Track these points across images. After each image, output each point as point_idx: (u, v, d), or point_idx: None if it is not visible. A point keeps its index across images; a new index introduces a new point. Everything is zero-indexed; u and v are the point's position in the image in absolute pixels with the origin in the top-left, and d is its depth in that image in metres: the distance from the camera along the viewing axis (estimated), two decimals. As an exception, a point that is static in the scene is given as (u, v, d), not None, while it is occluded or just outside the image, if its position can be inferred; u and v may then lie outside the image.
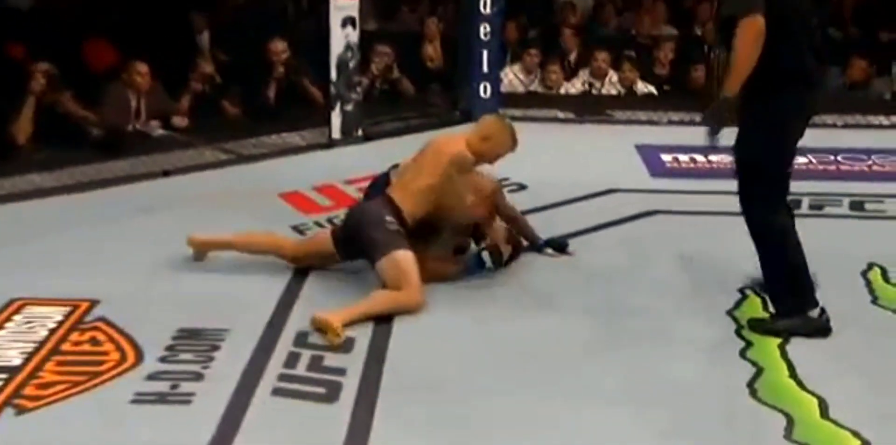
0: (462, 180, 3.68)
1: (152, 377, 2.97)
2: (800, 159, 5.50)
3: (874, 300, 3.60)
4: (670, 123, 6.48)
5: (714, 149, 3.23)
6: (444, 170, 3.63)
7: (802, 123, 3.18)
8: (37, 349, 3.13)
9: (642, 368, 3.06)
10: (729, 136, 3.16)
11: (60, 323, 3.32)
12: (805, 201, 4.73)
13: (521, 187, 4.84)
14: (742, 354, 3.16)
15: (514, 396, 2.90)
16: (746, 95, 3.09)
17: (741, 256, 3.47)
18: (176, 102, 6.07)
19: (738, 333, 3.31)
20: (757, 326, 3.26)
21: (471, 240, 3.89)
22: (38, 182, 4.92)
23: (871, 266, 3.89)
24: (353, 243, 3.62)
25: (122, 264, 3.87)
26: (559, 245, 4.04)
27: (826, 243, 3.60)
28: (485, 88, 6.37)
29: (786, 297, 3.23)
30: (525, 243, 4.02)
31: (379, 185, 3.92)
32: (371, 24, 7.26)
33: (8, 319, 3.34)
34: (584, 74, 7.11)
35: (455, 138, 3.80)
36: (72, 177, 4.98)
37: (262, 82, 6.24)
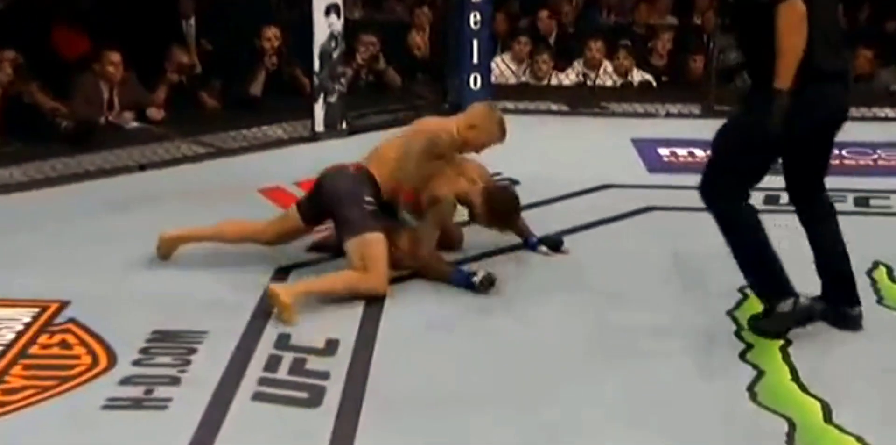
0: (429, 164, 3.73)
1: (126, 381, 2.96)
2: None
3: (879, 300, 3.61)
4: (668, 115, 6.49)
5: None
6: (415, 148, 3.71)
7: (804, 121, 3.03)
8: (3, 353, 3.11)
9: (639, 371, 3.07)
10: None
11: (28, 325, 3.30)
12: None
13: (513, 182, 4.83)
14: (742, 356, 3.17)
15: (507, 401, 2.89)
16: (753, 83, 3.08)
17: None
18: (151, 92, 6.05)
19: (738, 334, 3.31)
20: (752, 326, 3.26)
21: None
22: (4, 177, 4.90)
23: (876, 265, 3.90)
24: (322, 211, 3.70)
25: (94, 263, 3.85)
26: (554, 243, 4.04)
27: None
28: (475, 79, 6.37)
29: (761, 287, 3.19)
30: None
31: None
32: (356, 13, 7.26)
33: (-27, 321, 3.33)
34: (577, 65, 7.11)
35: (443, 122, 3.85)
36: (40, 171, 4.96)
37: (248, 71, 6.22)
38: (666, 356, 3.16)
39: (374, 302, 3.54)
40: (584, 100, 6.73)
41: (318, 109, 5.80)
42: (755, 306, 3.53)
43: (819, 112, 3.07)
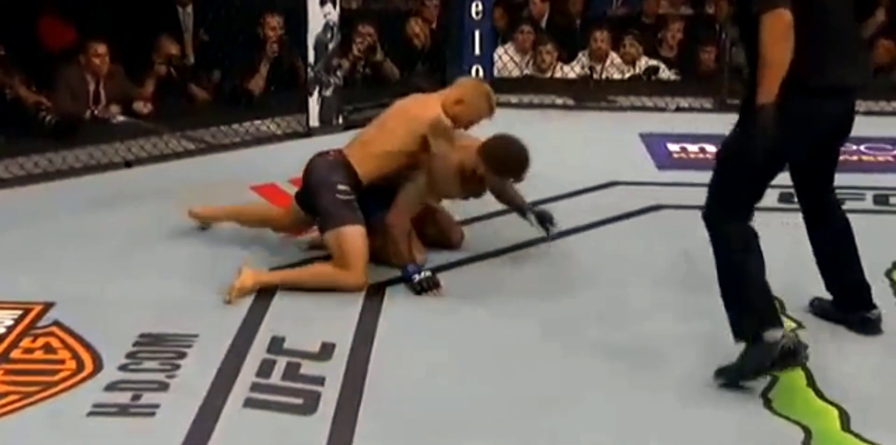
0: (442, 145, 3.74)
1: (112, 387, 2.95)
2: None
3: (899, 302, 3.61)
4: (678, 109, 6.49)
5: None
6: (420, 135, 3.70)
7: (802, 138, 2.96)
8: (-16, 357, 3.12)
9: (647, 377, 3.06)
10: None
11: (10, 328, 3.30)
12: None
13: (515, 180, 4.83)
14: (756, 361, 3.16)
15: (509, 409, 2.89)
16: (747, 97, 2.96)
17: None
18: (139, 85, 6.04)
19: (752, 338, 3.31)
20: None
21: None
22: (-14, 173, 4.91)
23: (895, 266, 3.90)
24: (310, 201, 3.78)
25: (79, 263, 3.85)
26: (543, 217, 4.03)
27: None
28: (476, 71, 6.38)
29: (743, 319, 2.95)
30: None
31: None
32: (353, 2, 7.25)
33: (-47, 323, 3.33)
34: (583, 57, 7.11)
35: (427, 101, 3.86)
36: (23, 168, 4.95)
37: (248, 63, 6.20)
38: (675, 361, 3.16)
39: (371, 304, 3.55)
40: (590, 93, 6.73)
41: (313, 103, 5.80)
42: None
43: (816, 129, 2.98)
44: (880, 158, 5.46)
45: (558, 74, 7.04)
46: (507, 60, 6.96)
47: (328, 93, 5.83)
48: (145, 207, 4.48)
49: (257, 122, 5.83)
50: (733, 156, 2.98)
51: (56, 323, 3.34)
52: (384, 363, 3.13)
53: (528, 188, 4.30)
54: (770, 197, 4.53)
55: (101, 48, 5.74)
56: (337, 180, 3.69)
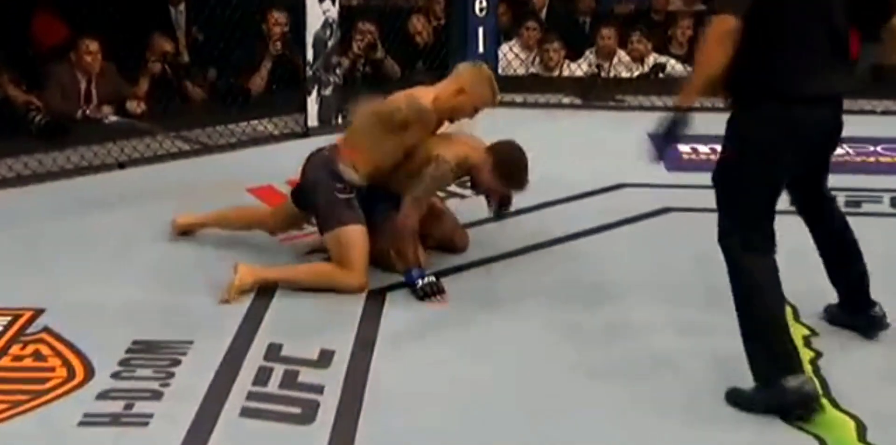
0: (391, 136, 3.70)
1: (104, 395, 2.95)
2: (837, 150, 5.58)
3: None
4: (688, 109, 6.47)
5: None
6: (403, 125, 3.68)
7: (794, 149, 2.92)
8: (-28, 365, 3.12)
9: (657, 387, 3.06)
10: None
11: None
12: (841, 198, 4.69)
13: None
14: (770, 369, 3.15)
15: (513, 419, 2.89)
16: (732, 109, 3.00)
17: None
18: (132, 84, 6.05)
19: (765, 346, 3.30)
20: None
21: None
22: (-25, 175, 4.92)
23: (915, 271, 3.89)
24: (307, 200, 3.80)
25: (70, 268, 3.85)
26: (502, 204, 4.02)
27: (864, 245, 3.57)
28: (482, 70, 6.36)
29: (761, 359, 2.90)
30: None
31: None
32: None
33: (-60, 330, 3.33)
34: (589, 55, 7.11)
35: (420, 92, 3.83)
36: (12, 169, 4.96)
37: (245, 61, 6.20)
38: (687, 369, 3.15)
39: (371, 310, 3.55)
40: (597, 92, 6.73)
41: (312, 103, 5.81)
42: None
43: (806, 139, 2.93)
44: (898, 159, 5.45)
45: (565, 73, 7.04)
46: (511, 57, 6.96)
47: (327, 92, 5.83)
48: (138, 209, 4.48)
49: (254, 122, 5.84)
50: (730, 175, 2.97)
51: (46, 330, 3.34)
52: (385, 371, 3.13)
53: (534, 190, 4.30)
54: (782, 199, 4.58)
55: (94, 45, 5.74)
56: (334, 178, 3.69)
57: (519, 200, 4.27)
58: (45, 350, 3.22)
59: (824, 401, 2.95)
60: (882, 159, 5.43)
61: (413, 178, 3.72)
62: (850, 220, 4.53)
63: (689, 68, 6.98)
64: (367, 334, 3.37)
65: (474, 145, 3.87)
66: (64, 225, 4.31)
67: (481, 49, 6.37)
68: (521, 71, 7.02)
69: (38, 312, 3.45)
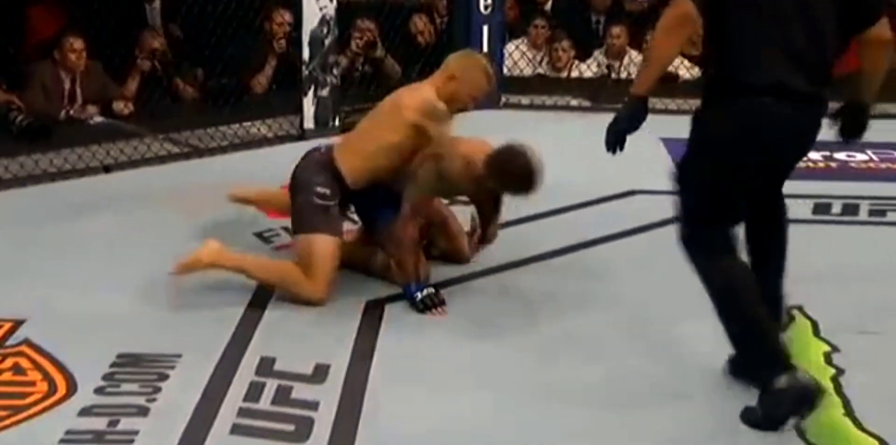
0: (438, 129, 3.65)
1: (87, 411, 2.94)
2: (858, 157, 5.60)
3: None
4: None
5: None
6: (409, 124, 3.64)
7: (758, 147, 2.87)
8: (-52, 379, 3.12)
9: (672, 406, 3.05)
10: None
11: (-23, 347, 3.30)
12: (863, 207, 4.73)
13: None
14: (788, 387, 3.14)
15: (511, 437, 2.88)
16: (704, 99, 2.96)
17: (787, 270, 3.45)
18: (121, 84, 6.04)
19: (784, 362, 3.29)
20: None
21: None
22: (-47, 178, 4.92)
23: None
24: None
25: (52, 277, 3.85)
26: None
27: (888, 256, 3.60)
28: (489, 67, 6.37)
29: (748, 363, 2.92)
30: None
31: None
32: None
33: (-86, 342, 3.33)
34: (599, 55, 7.11)
35: (419, 87, 3.81)
36: (-7, 172, 4.97)
37: (242, 59, 6.20)
38: (701, 388, 3.14)
39: (368, 322, 3.54)
40: (607, 94, 6.72)
41: (308, 104, 5.81)
42: (804, 329, 3.52)
43: (769, 133, 2.86)
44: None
45: (574, 73, 7.04)
46: (518, 56, 6.96)
47: (324, 92, 5.83)
48: (125, 216, 4.48)
49: (247, 124, 5.84)
50: (687, 173, 2.95)
51: (26, 342, 3.33)
52: (383, 387, 3.12)
53: (541, 197, 4.30)
54: (803, 208, 4.58)
55: (78, 43, 5.74)
56: (317, 183, 3.69)
57: (525, 207, 4.27)
58: (25, 364, 3.21)
59: (847, 421, 2.94)
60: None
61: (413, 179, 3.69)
62: (874, 230, 4.55)
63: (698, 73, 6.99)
64: (364, 347, 3.37)
65: (481, 149, 3.82)
66: (46, 232, 4.31)
67: (486, 48, 6.37)
68: (527, 71, 7.02)
69: (19, 323, 3.44)
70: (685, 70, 6.99)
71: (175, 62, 6.35)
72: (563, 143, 5.50)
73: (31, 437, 2.83)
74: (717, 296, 2.93)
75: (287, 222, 4.31)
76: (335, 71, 5.90)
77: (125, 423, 2.88)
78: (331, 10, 5.77)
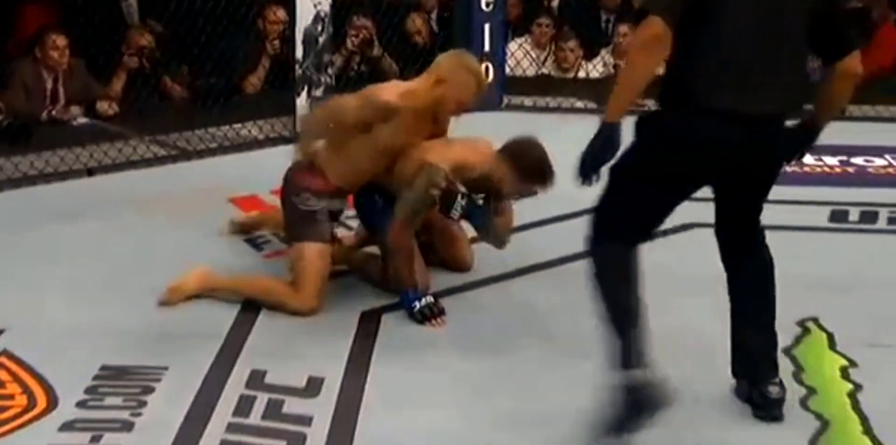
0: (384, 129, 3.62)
1: (69, 426, 2.94)
2: (876, 161, 5.59)
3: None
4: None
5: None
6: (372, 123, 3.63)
7: (692, 168, 2.88)
8: (-77, 392, 3.11)
9: (682, 421, 3.04)
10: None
11: (-47, 358, 3.30)
12: (882, 214, 4.73)
13: (529, 193, 4.81)
14: (803, 403, 3.15)
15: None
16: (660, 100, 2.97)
17: (801, 280, 3.47)
18: (106, 83, 6.04)
19: (798, 377, 3.30)
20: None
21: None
22: (-71, 181, 4.92)
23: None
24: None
25: (32, 284, 3.85)
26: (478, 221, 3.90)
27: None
28: (486, 69, 6.36)
29: (615, 354, 2.84)
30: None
31: None
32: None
33: None
34: (605, 54, 7.12)
35: (388, 86, 3.80)
36: (-29, 175, 4.97)
37: (233, 57, 6.20)
38: (712, 402, 3.14)
39: (364, 333, 3.54)
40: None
41: (301, 105, 5.81)
42: (818, 342, 3.52)
43: (708, 155, 2.86)
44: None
45: (580, 74, 7.05)
46: (520, 56, 6.96)
47: (318, 93, 5.83)
48: (109, 221, 4.47)
49: (237, 125, 5.84)
50: (623, 170, 2.95)
51: (5, 353, 3.32)
52: (379, 401, 3.12)
53: (545, 203, 4.31)
54: (820, 215, 4.59)
55: (61, 40, 5.74)
56: (303, 187, 3.71)
57: (527, 214, 4.27)
58: (3, 376, 3.20)
59: (866, 439, 2.94)
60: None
61: (406, 188, 3.68)
62: (894, 238, 4.54)
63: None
64: (359, 360, 3.36)
65: (481, 150, 3.80)
66: (26, 237, 4.30)
67: (487, 47, 6.37)
68: (531, 71, 7.02)
69: (-3, 333, 3.44)
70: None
71: (162, 60, 6.35)
72: (568, 146, 5.49)
73: (9, 453, 2.83)
74: (596, 273, 2.97)
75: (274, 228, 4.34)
76: (330, 70, 5.90)
77: (108, 439, 2.87)
78: (326, 6, 5.77)
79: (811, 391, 3.21)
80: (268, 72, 6.31)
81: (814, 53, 2.95)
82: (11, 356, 3.30)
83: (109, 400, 3.07)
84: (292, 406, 3.07)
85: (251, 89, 6.34)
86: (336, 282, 3.83)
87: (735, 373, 3.12)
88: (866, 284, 3.95)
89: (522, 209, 4.15)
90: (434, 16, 7.17)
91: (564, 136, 5.75)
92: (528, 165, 3.67)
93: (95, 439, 2.87)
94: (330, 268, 3.70)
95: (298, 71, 5.79)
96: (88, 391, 3.11)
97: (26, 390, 3.13)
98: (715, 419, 3.07)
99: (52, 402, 3.05)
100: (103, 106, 5.93)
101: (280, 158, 4.19)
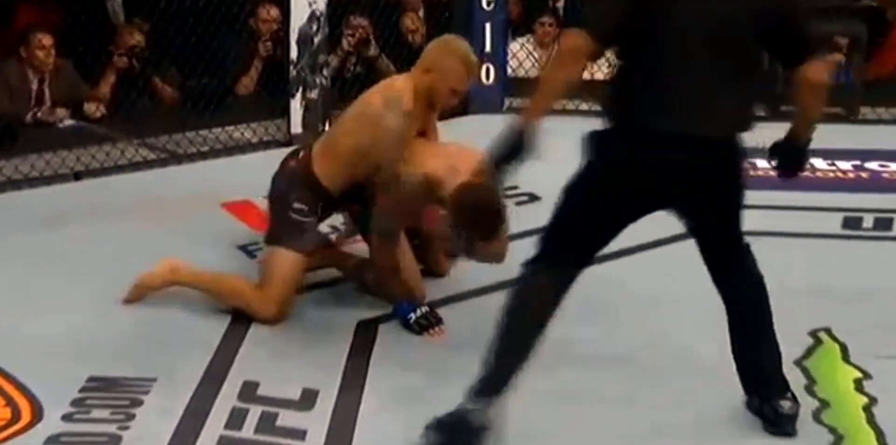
0: (391, 119, 3.60)
1: (54, 440, 2.94)
2: (891, 166, 5.58)
3: None
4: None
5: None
6: (374, 119, 3.62)
7: (644, 194, 2.93)
8: None
9: (692, 435, 3.05)
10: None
11: (-66, 370, 3.30)
12: (896, 222, 4.74)
13: (533, 197, 4.84)
14: (816, 417, 3.15)
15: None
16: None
17: (812, 289, 3.47)
18: (92, 84, 6.04)
19: (810, 389, 3.30)
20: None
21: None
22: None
23: None
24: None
25: (16, 293, 3.85)
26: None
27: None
28: (486, 70, 6.38)
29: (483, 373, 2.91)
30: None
31: None
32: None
33: None
34: (610, 55, 7.10)
35: (392, 80, 3.83)
36: (-46, 180, 4.98)
37: (225, 58, 6.21)
38: (722, 416, 3.14)
39: (360, 344, 3.55)
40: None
41: (296, 107, 5.81)
42: (831, 353, 3.52)
43: (644, 178, 2.90)
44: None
45: (584, 75, 7.04)
46: (523, 57, 6.97)
47: (313, 95, 5.84)
48: (96, 227, 4.47)
49: (230, 128, 5.84)
50: (567, 190, 3.01)
51: (-12, 364, 3.33)
52: (375, 414, 3.12)
53: (549, 209, 4.29)
54: (832, 222, 4.59)
55: (47, 39, 5.74)
56: (295, 197, 3.72)
57: (532, 219, 4.25)
58: (-14, 388, 3.21)
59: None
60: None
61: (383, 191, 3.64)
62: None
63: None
64: (355, 371, 3.37)
65: (459, 167, 3.51)
66: (11, 244, 4.30)
67: (488, 47, 6.38)
68: (533, 72, 7.02)
69: (-21, 344, 3.44)
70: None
71: (152, 60, 6.35)
72: (570, 150, 5.50)
73: (-8, 468, 2.84)
74: (520, 299, 2.98)
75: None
76: (325, 71, 5.91)
77: (96, 453, 2.87)
78: (321, 5, 5.78)
79: (824, 404, 3.22)
80: (261, 73, 6.31)
81: (774, 58, 2.96)
82: (-6, 368, 3.32)
83: (96, 413, 3.07)
84: (286, 418, 3.08)
85: (244, 91, 6.34)
86: (331, 291, 3.84)
87: (746, 390, 3.12)
88: (880, 293, 3.95)
89: (520, 217, 4.15)
90: (421, 15, 7.16)
91: (566, 138, 5.78)
92: (470, 211, 3.41)
93: (82, 453, 2.88)
94: (301, 279, 3.71)
95: (293, 72, 5.79)
96: (75, 403, 3.11)
97: (10, 402, 3.13)
98: (724, 433, 3.07)
99: (37, 415, 3.05)
100: (91, 108, 5.92)
101: (274, 162, 4.20)
